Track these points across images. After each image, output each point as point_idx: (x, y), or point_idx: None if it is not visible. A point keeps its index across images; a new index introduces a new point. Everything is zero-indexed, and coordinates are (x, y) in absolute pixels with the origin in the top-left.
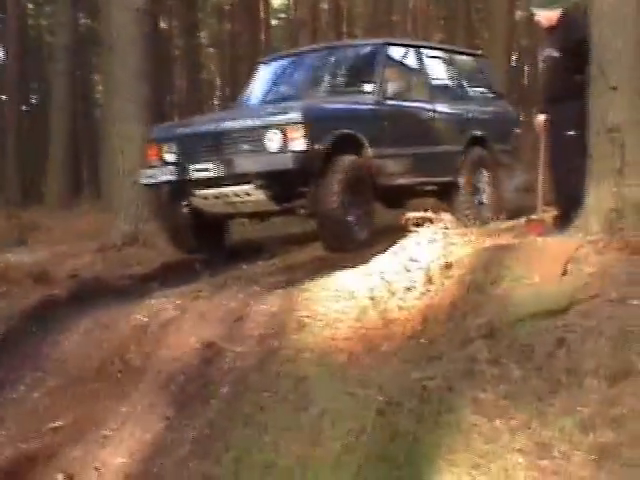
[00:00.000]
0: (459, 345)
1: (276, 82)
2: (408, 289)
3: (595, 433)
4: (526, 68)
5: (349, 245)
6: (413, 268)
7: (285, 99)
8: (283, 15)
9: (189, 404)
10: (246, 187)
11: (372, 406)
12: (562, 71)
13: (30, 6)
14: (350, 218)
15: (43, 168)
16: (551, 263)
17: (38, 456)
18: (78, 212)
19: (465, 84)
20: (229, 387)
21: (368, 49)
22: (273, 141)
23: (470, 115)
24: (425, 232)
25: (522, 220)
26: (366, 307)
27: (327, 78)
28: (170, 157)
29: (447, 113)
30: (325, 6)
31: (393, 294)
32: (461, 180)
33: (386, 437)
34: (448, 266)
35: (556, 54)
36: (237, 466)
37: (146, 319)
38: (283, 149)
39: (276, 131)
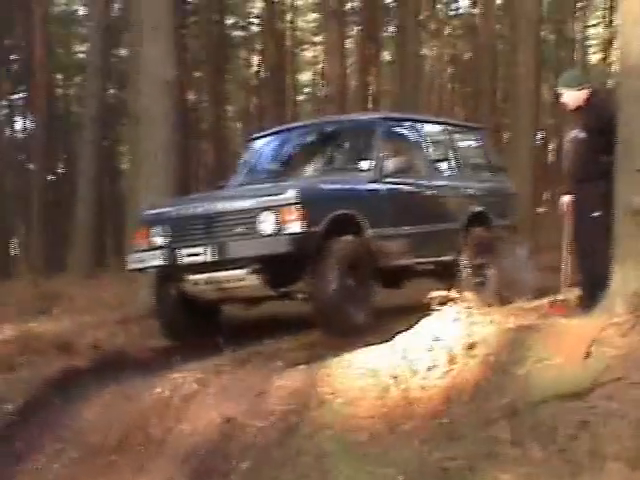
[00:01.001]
0: (481, 425)
1: (270, 159)
2: (430, 368)
3: None
4: (550, 147)
5: (347, 330)
6: (436, 347)
7: (279, 178)
8: (309, 90)
9: (208, 478)
10: (239, 272)
11: None
12: (588, 152)
13: (59, 76)
14: (347, 302)
15: (67, 237)
16: (574, 345)
17: None
18: (101, 282)
19: (464, 158)
20: (249, 462)
21: (366, 125)
22: (267, 223)
23: (469, 191)
24: (448, 311)
25: (545, 300)
26: (388, 385)
27: (323, 155)
28: (159, 240)
29: (446, 190)
30: (353, 82)
31: (415, 373)
32: (462, 259)
33: None
34: (471, 346)
35: (583, 135)
36: None
37: (168, 392)
38: (278, 232)
39: (270, 213)
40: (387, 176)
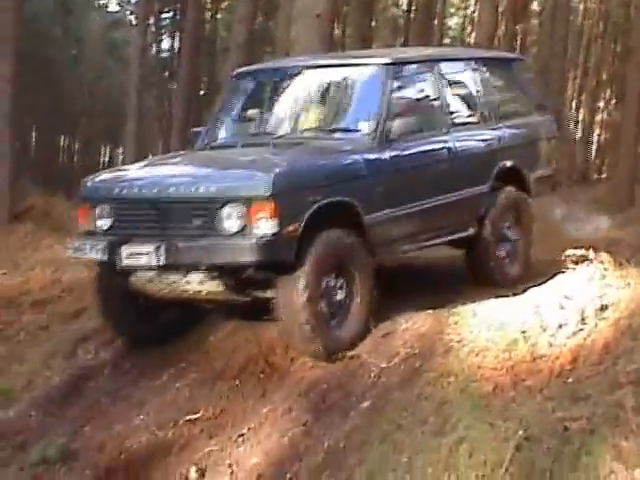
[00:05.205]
0: (607, 389)
1: (248, 109)
2: (560, 326)
3: None
4: None
5: (324, 350)
6: (567, 306)
7: (255, 140)
8: (455, 34)
9: (328, 413)
10: (197, 276)
11: (511, 440)
12: None
13: None
14: (324, 319)
15: None
16: None
17: (172, 446)
18: None
19: (494, 98)
20: (370, 402)
21: (368, 71)
22: (232, 220)
23: (500, 141)
24: (583, 271)
25: None
26: (516, 339)
27: (314, 108)
28: (103, 224)
29: (469, 145)
30: (501, 30)
31: (544, 330)
32: (485, 230)
33: (522, 473)
34: (603, 308)
35: None
36: None
37: None
38: (245, 232)
39: (236, 206)
40: (393, 140)
